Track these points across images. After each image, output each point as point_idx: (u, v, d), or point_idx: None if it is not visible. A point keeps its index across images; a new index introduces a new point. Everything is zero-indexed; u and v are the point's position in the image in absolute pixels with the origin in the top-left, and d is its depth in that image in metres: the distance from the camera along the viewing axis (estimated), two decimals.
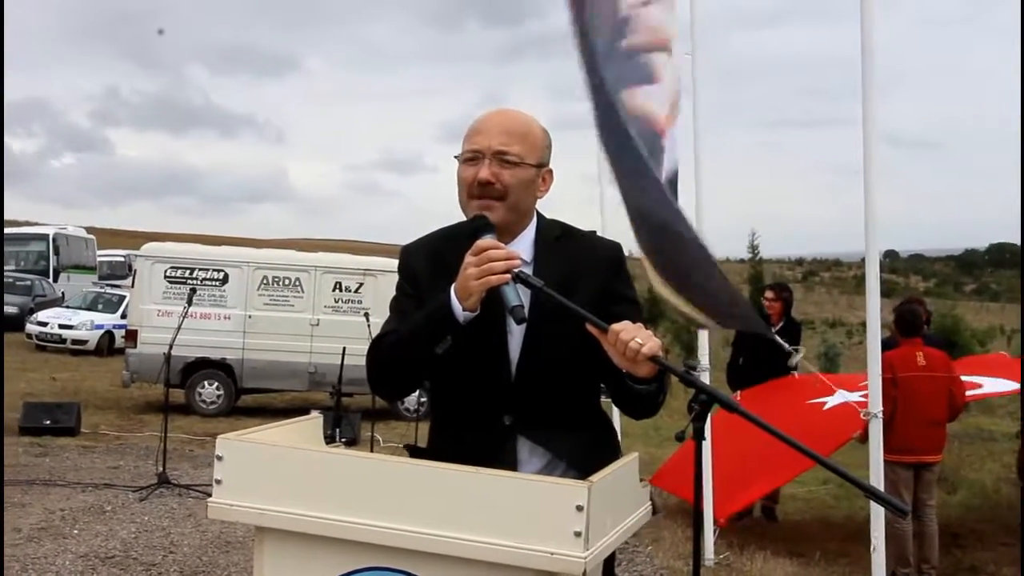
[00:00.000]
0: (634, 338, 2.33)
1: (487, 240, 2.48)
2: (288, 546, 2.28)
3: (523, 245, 2.66)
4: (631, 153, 5.84)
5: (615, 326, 2.36)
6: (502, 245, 2.48)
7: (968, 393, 8.11)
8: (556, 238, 2.71)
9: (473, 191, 2.60)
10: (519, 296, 2.43)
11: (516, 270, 2.43)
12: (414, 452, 2.72)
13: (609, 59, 5.90)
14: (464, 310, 2.46)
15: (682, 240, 5.88)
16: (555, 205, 2.80)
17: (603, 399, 2.79)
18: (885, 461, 5.73)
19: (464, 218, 2.66)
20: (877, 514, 5.61)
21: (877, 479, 5.41)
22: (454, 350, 2.49)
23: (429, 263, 2.69)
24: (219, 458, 2.33)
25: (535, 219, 2.72)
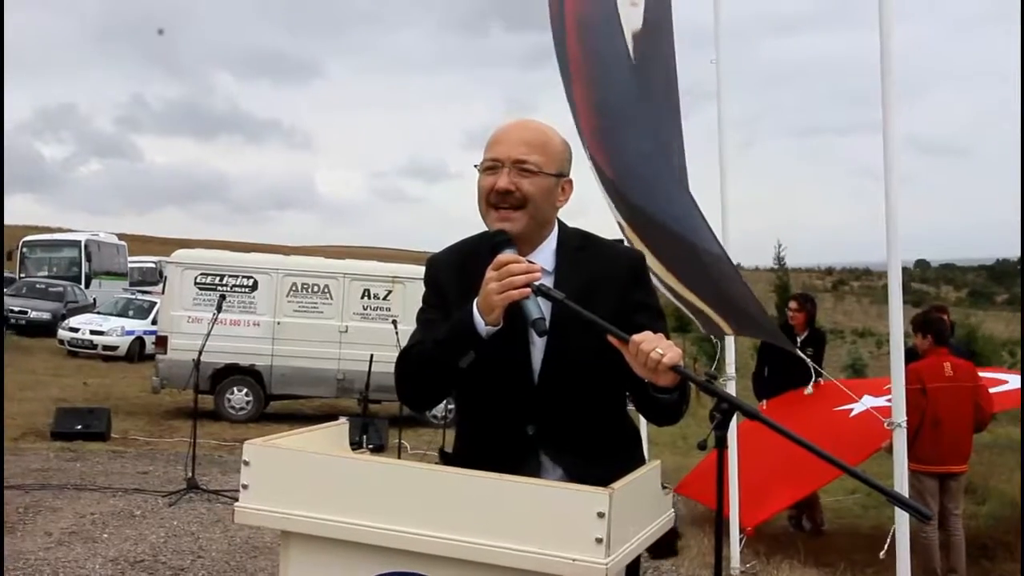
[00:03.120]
0: (655, 348, 2.34)
1: (507, 255, 2.51)
2: (313, 550, 2.31)
3: (544, 255, 2.69)
4: (657, 156, 5.87)
5: (636, 337, 2.38)
6: (522, 259, 2.51)
7: (993, 391, 8.08)
8: (577, 248, 2.73)
9: (491, 200, 2.63)
10: (540, 308, 2.46)
11: (537, 283, 2.46)
12: (445, 457, 2.75)
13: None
14: (487, 325, 2.49)
15: (696, 248, 5.90)
16: (579, 212, 2.84)
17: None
18: (911, 471, 5.72)
19: (485, 227, 2.69)
20: (902, 525, 5.59)
21: (901, 488, 5.39)
22: (478, 362, 2.52)
23: (454, 275, 2.72)
24: (246, 463, 2.37)
25: (556, 229, 2.74)
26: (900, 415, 5.43)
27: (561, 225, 2.76)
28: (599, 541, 2.07)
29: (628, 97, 5.93)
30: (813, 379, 8.93)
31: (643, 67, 5.98)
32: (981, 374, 8.17)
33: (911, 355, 7.62)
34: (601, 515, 2.07)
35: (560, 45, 6.66)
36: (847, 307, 74.05)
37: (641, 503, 2.37)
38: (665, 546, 2.61)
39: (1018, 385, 8.95)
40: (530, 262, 2.52)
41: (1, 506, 7.58)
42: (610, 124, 6.24)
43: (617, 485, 2.16)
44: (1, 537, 6.89)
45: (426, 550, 2.18)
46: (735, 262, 7.00)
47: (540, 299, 2.47)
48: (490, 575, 2.15)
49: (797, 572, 7.45)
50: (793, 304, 9.93)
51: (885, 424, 5.62)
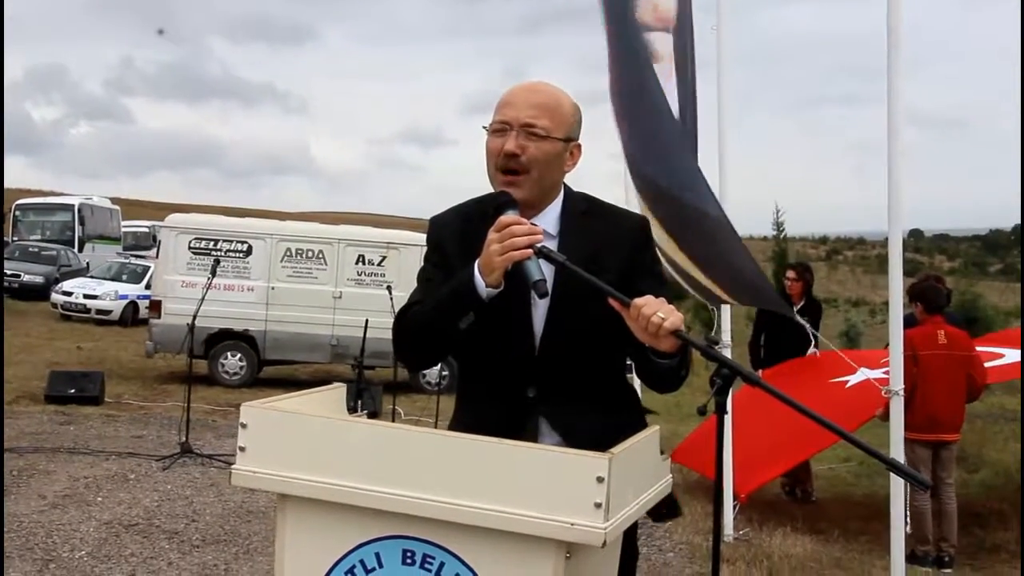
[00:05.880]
0: (656, 312, 2.33)
1: (510, 216, 2.50)
2: (310, 514, 2.30)
3: (549, 219, 2.67)
4: (667, 122, 5.83)
5: (637, 301, 2.37)
6: (525, 220, 2.50)
7: (988, 364, 8.08)
8: (582, 212, 2.71)
9: (499, 163, 2.61)
10: (542, 271, 2.45)
11: (539, 245, 2.45)
12: None
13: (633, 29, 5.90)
14: (487, 286, 2.47)
15: (704, 216, 5.88)
16: (579, 181, 2.81)
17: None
18: (904, 439, 5.72)
19: (492, 188, 2.67)
20: (897, 493, 5.61)
21: (897, 457, 5.40)
22: (479, 324, 2.51)
23: (456, 235, 2.71)
24: (243, 426, 2.35)
25: (562, 193, 2.73)
26: (897, 383, 5.44)
27: (566, 189, 2.75)
28: (598, 506, 2.06)
29: (641, 59, 5.89)
30: (813, 344, 8.93)
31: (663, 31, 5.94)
32: (978, 348, 8.16)
33: (910, 322, 7.61)
34: (600, 480, 2.06)
35: None
36: (840, 276, 74.21)
37: (640, 468, 2.36)
38: (667, 508, 2.62)
39: (1013, 359, 8.96)
40: (533, 225, 2.50)
41: (1, 471, 7.60)
42: (627, 82, 6.20)
43: (616, 450, 2.15)
44: (1, 501, 6.90)
45: (424, 514, 2.17)
46: None
47: (542, 262, 2.46)
48: (488, 539, 2.14)
49: (790, 539, 7.47)
50: (791, 274, 9.94)
51: (883, 392, 5.62)
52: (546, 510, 2.08)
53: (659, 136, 6.05)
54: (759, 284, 6.45)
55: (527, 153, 2.58)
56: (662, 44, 6.05)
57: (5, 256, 28.55)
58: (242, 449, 2.35)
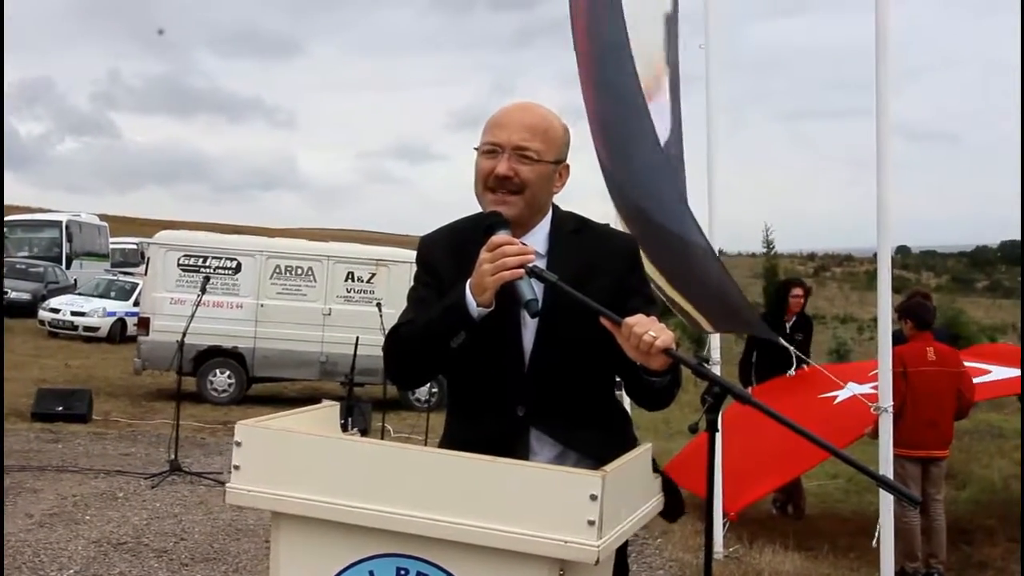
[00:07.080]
0: (647, 331, 2.34)
1: (501, 236, 2.50)
2: (304, 532, 2.30)
3: (538, 238, 2.68)
4: (647, 141, 5.83)
5: (629, 319, 2.38)
6: (516, 240, 2.51)
7: (976, 380, 8.10)
8: (572, 231, 2.73)
9: (489, 184, 2.63)
10: (533, 290, 2.46)
11: (530, 264, 2.46)
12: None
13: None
14: (478, 306, 2.48)
15: (686, 244, 5.89)
16: (569, 198, 2.83)
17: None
18: (893, 456, 5.74)
19: (479, 208, 2.68)
20: (886, 510, 5.62)
21: (886, 474, 5.42)
22: (469, 343, 2.52)
23: (447, 255, 2.71)
24: (238, 444, 2.35)
25: (551, 212, 2.74)
26: (886, 400, 5.46)
27: (555, 208, 2.76)
28: (591, 523, 2.07)
29: (629, 85, 5.89)
30: (796, 365, 8.96)
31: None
32: (971, 364, 8.19)
33: (897, 339, 7.64)
34: (594, 498, 2.07)
35: (572, 20, 6.61)
36: (828, 293, 74.22)
37: (633, 486, 2.37)
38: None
39: (1002, 375, 8.98)
40: (524, 245, 2.51)
41: (2, 485, 7.56)
42: (610, 110, 6.21)
43: (610, 468, 2.16)
44: (1, 515, 6.87)
45: (419, 532, 2.17)
46: (719, 248, 7.02)
47: (533, 281, 2.47)
48: (482, 556, 2.15)
49: (780, 556, 7.47)
50: (797, 291, 9.97)
51: (872, 409, 5.64)
52: (540, 528, 2.09)
53: (643, 164, 6.06)
54: (742, 309, 6.47)
55: (519, 176, 2.60)
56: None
57: None
58: (236, 467, 2.36)
